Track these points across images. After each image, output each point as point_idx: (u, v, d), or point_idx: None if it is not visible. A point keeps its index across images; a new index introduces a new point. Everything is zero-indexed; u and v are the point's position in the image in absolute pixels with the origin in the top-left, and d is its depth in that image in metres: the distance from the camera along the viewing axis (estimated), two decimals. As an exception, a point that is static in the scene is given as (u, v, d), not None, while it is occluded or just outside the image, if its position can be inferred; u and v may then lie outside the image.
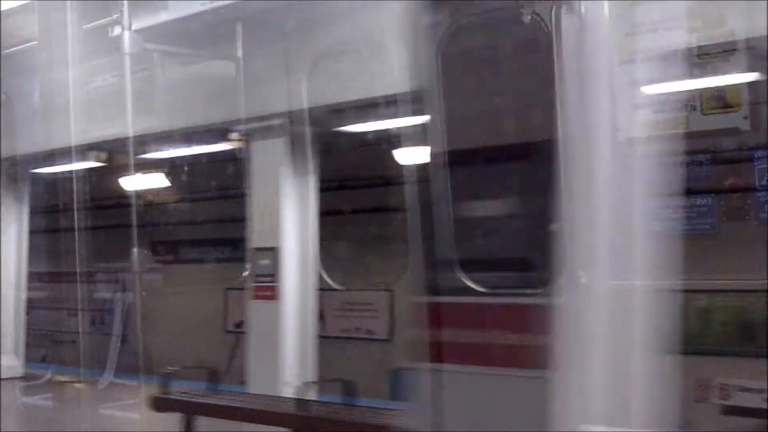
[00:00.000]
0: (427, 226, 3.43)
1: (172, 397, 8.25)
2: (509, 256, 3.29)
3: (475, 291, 3.29)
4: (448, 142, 3.50)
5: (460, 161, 3.42)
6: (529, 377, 3.11)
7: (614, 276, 2.99)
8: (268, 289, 9.83)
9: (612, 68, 3.14)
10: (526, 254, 3.18)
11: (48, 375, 12.91)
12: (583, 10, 3.46)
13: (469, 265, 3.38)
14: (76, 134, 10.21)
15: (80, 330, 12.79)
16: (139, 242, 10.36)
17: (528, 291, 3.16)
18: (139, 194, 12.80)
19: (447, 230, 3.43)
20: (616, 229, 2.99)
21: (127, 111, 9.33)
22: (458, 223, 3.45)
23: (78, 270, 11.72)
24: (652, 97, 3.32)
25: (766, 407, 8.55)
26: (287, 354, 9.57)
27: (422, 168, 3.53)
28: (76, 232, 10.30)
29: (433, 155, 3.49)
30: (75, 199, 10.59)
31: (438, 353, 3.33)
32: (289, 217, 9.78)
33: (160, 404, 8.20)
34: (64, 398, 11.85)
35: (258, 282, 9.93)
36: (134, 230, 10.10)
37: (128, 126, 9.41)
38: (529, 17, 3.31)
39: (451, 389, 3.30)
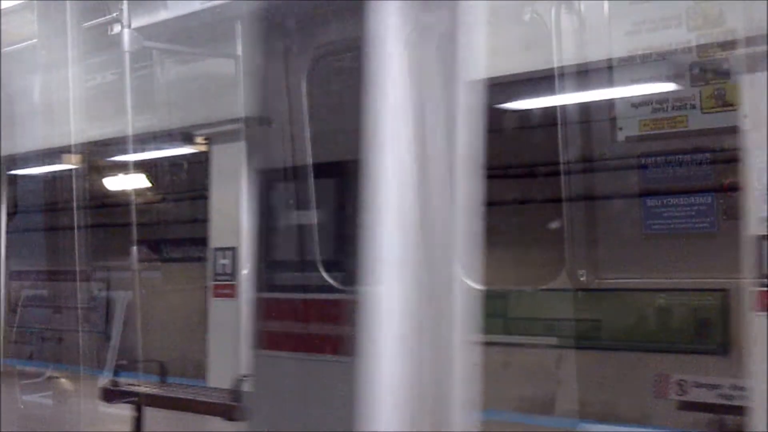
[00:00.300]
0: (258, 232, 3.82)
1: (122, 389, 8.57)
2: (322, 259, 3.67)
3: (295, 288, 3.67)
4: (279, 158, 3.90)
5: (291, 176, 3.82)
6: (336, 362, 3.50)
7: (412, 276, 3.34)
8: (227, 287, 10.17)
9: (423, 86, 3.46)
10: (337, 257, 3.56)
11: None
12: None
13: (292, 267, 3.77)
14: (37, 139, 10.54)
15: (68, 328, 13.16)
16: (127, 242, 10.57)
17: (338, 289, 3.54)
18: (115, 195, 13.17)
19: (276, 236, 3.83)
20: (415, 234, 3.35)
21: (127, 111, 9.44)
22: (283, 230, 3.86)
23: (57, 269, 12.08)
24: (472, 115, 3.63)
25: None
26: (245, 350, 9.89)
27: (258, 179, 3.91)
28: (67, 232, 10.57)
29: (267, 170, 3.87)
30: (56, 199, 10.90)
31: (265, 341, 3.74)
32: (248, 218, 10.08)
33: (110, 396, 8.54)
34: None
35: (217, 280, 10.28)
36: (133, 229, 10.34)
37: (128, 125, 9.54)
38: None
39: (274, 371, 3.70)
